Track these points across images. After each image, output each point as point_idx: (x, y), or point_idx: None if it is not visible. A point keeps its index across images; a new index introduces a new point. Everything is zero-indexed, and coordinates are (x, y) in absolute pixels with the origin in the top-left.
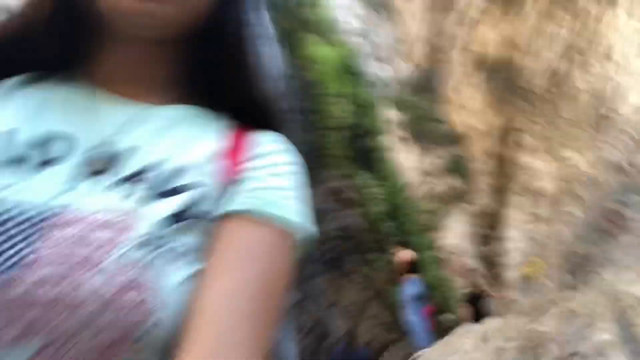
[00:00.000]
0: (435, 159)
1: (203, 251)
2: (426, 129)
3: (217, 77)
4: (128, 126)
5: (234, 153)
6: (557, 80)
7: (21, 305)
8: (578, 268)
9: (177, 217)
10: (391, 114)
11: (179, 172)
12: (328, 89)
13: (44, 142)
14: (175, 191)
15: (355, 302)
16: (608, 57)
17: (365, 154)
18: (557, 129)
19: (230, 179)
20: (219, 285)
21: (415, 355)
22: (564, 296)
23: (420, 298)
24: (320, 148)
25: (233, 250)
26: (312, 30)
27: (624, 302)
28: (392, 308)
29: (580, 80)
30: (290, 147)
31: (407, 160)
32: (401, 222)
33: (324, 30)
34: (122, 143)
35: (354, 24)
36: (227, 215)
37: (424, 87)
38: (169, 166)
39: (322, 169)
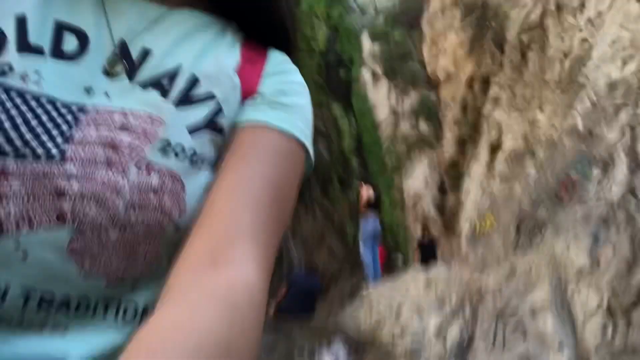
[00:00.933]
0: (407, 99)
1: (218, 161)
2: (401, 67)
3: None
4: (141, 28)
5: (247, 70)
6: (530, 30)
7: (53, 195)
8: (526, 229)
9: (196, 127)
10: (366, 45)
11: (196, 82)
12: (301, 5)
13: (54, 35)
14: (193, 101)
15: (312, 233)
16: (582, 8)
17: (340, 84)
18: (528, 86)
19: (244, 97)
20: (229, 178)
21: (363, 292)
22: (508, 255)
23: (375, 235)
24: None
25: (247, 149)
26: None
27: (561, 267)
28: (347, 242)
29: (552, 34)
30: (296, 68)
31: (379, 97)
32: (367, 160)
33: None
34: (137, 46)
35: None
36: (240, 125)
37: (405, 20)
38: (186, 75)
39: None
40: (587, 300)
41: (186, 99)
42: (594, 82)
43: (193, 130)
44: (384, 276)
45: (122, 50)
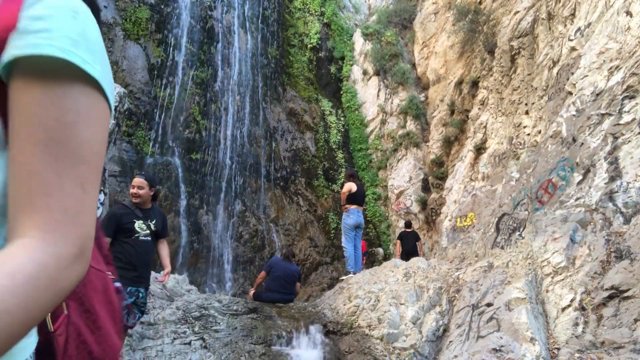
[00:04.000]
0: (396, 98)
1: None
2: (392, 66)
3: None
4: None
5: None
6: (521, 36)
7: None
8: (505, 227)
9: None
10: (358, 44)
11: None
12: (294, 1)
13: None
14: None
15: (294, 223)
16: (572, 17)
17: (330, 80)
18: (515, 91)
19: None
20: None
21: (341, 277)
22: (486, 251)
23: (357, 228)
24: (285, 66)
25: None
26: None
27: (537, 264)
28: (329, 234)
29: (542, 42)
30: None
31: (368, 95)
32: (353, 155)
33: None
34: None
35: None
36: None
37: (398, 21)
38: None
39: (285, 88)
40: (561, 296)
41: None
42: (580, 90)
43: None
44: (364, 269)
45: None
